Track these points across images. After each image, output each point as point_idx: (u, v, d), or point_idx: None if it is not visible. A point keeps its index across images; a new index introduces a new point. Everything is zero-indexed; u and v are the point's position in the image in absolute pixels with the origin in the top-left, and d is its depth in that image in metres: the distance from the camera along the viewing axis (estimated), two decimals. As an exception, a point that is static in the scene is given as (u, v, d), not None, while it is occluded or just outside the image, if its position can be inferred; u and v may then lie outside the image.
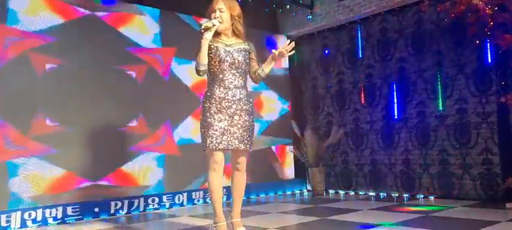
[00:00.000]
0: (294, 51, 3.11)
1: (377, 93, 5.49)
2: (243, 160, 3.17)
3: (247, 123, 3.10)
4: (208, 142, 3.00)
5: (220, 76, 3.06)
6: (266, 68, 3.17)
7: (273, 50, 3.11)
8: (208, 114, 3.04)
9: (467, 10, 4.01)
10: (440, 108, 4.85)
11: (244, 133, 3.08)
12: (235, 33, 3.15)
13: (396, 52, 5.29)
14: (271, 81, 5.88)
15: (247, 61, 3.15)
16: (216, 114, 3.02)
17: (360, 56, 5.66)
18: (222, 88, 3.05)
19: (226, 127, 3.02)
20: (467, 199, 4.55)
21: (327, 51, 5.34)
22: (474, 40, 4.36)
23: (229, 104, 3.04)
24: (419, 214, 3.90)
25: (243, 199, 3.31)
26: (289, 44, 3.08)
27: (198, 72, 3.02)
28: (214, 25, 2.99)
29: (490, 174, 4.47)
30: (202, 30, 2.96)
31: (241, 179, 3.21)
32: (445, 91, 4.83)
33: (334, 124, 5.89)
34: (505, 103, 4.12)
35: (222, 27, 3.07)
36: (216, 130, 3.00)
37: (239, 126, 3.06)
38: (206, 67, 3.02)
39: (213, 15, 3.06)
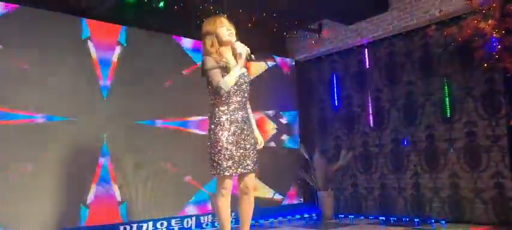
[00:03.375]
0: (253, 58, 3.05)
1: (385, 116, 5.48)
2: (251, 181, 3.11)
3: (254, 144, 3.10)
4: (224, 168, 2.94)
5: (233, 99, 3.04)
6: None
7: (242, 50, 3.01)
8: (221, 138, 2.97)
9: (474, 34, 4.04)
10: (449, 131, 4.83)
11: (255, 153, 3.08)
12: (233, 54, 3.11)
13: (404, 75, 5.30)
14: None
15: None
16: (229, 137, 2.97)
17: (368, 79, 5.69)
18: (231, 111, 3.03)
19: (240, 151, 3.00)
20: (479, 224, 4.48)
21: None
22: (482, 63, 4.35)
23: (241, 126, 3.03)
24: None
25: (251, 223, 3.28)
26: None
27: (221, 90, 2.92)
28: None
29: (502, 198, 4.41)
30: (248, 55, 2.97)
31: (250, 203, 3.16)
32: (454, 115, 4.82)
33: (343, 148, 5.88)
34: (515, 127, 4.10)
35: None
36: (232, 155, 2.96)
37: (249, 147, 3.04)
38: None
39: (227, 32, 3.01)
